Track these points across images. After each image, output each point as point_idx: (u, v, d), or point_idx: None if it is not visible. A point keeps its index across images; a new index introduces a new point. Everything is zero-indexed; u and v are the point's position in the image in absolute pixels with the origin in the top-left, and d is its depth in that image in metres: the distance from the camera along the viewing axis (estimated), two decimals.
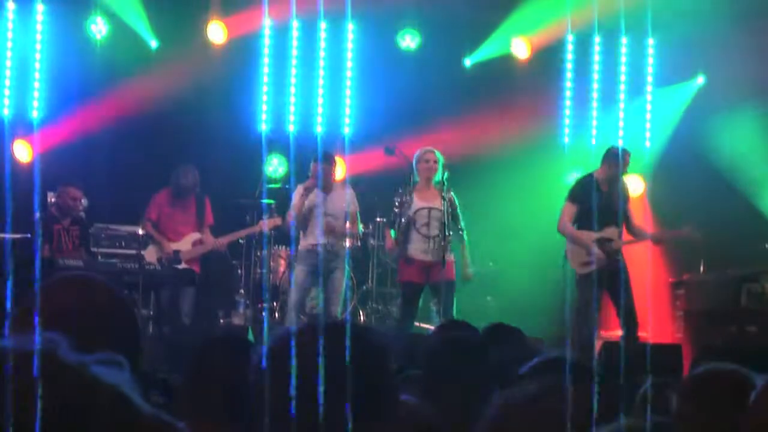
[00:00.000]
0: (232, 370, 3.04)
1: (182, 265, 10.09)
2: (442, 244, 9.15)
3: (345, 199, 9.59)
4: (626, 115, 12.05)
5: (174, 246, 10.10)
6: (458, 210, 9.32)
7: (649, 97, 12.04)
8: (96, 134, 11.13)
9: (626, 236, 9.36)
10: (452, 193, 9.32)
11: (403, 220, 9.23)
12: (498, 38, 12.24)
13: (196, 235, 10.29)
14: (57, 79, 11.15)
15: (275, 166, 11.91)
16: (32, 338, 1.40)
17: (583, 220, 9.30)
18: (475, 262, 9.62)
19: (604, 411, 2.32)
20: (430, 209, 9.15)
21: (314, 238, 9.55)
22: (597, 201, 9.06)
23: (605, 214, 9.08)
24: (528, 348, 4.20)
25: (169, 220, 10.29)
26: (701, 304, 10.64)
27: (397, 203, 9.35)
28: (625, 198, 9.40)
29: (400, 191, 9.39)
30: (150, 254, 10.09)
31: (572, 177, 10.52)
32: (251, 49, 11.70)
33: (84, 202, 10.10)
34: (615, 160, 9.29)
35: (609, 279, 9.05)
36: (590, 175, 9.47)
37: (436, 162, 9.24)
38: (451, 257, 9.29)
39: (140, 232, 10.02)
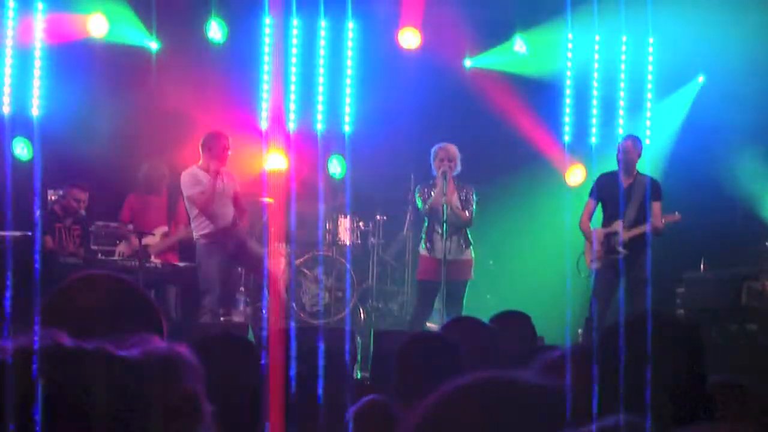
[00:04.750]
0: (232, 369, 3.05)
1: (153, 259, 9.99)
2: (460, 241, 9.15)
3: (230, 182, 9.47)
4: (626, 113, 12.07)
5: (144, 241, 9.92)
6: (473, 206, 9.28)
7: (649, 95, 12.05)
8: (96, 133, 11.12)
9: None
10: (470, 188, 9.33)
11: (428, 211, 9.19)
12: (499, 40, 12.24)
13: (164, 229, 10.27)
14: (58, 76, 11.17)
15: (276, 163, 11.90)
16: (36, 335, 1.39)
17: (604, 216, 9.39)
18: (475, 260, 9.59)
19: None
20: (447, 207, 9.10)
21: (213, 224, 9.36)
22: (616, 195, 9.11)
23: (624, 208, 9.14)
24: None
25: (141, 218, 10.27)
26: (701, 303, 10.63)
27: (419, 199, 9.29)
28: (650, 195, 9.34)
29: (420, 187, 9.35)
30: (118, 250, 10.12)
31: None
32: (251, 47, 11.72)
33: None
34: (620, 150, 9.35)
35: (616, 272, 9.11)
36: (612, 172, 9.51)
37: (450, 159, 9.21)
38: (469, 255, 9.28)
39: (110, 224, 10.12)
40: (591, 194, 9.50)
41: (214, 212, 9.30)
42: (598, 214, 9.49)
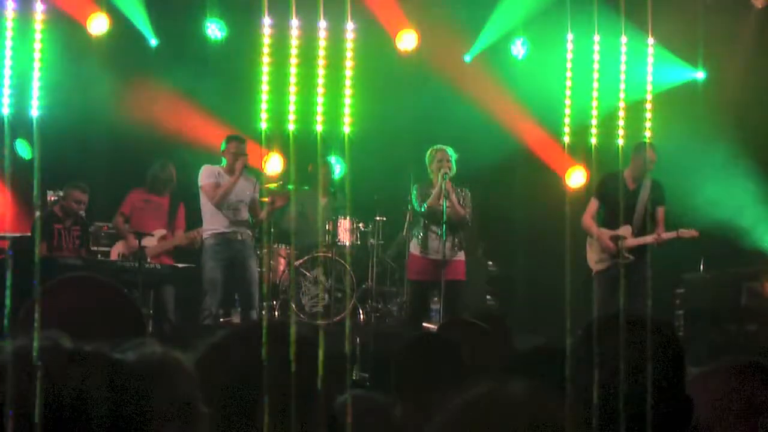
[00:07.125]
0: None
1: (150, 261, 9.96)
2: (455, 243, 9.15)
3: (249, 186, 9.60)
4: (626, 112, 12.07)
5: (142, 242, 9.90)
6: (470, 207, 9.28)
7: (649, 96, 12.04)
8: (96, 132, 11.11)
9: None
10: (467, 189, 9.32)
11: (426, 212, 9.17)
12: (496, 36, 12.23)
13: (162, 232, 10.23)
14: (57, 76, 11.16)
15: (274, 165, 11.89)
16: (38, 335, 1.39)
17: (606, 217, 9.33)
18: (475, 262, 9.59)
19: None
20: (443, 207, 9.07)
21: (224, 225, 9.47)
22: (621, 199, 9.08)
23: (628, 212, 9.09)
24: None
25: (141, 217, 10.20)
26: (701, 303, 10.63)
27: (413, 200, 9.29)
28: (653, 199, 9.30)
29: (418, 188, 9.34)
30: (115, 250, 10.08)
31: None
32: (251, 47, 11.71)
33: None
34: (639, 156, 9.29)
35: (619, 275, 9.08)
36: (617, 172, 9.46)
37: (448, 160, 9.21)
38: (462, 256, 9.27)
39: (109, 225, 10.12)
40: (595, 195, 9.45)
41: (224, 210, 9.39)
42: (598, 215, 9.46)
